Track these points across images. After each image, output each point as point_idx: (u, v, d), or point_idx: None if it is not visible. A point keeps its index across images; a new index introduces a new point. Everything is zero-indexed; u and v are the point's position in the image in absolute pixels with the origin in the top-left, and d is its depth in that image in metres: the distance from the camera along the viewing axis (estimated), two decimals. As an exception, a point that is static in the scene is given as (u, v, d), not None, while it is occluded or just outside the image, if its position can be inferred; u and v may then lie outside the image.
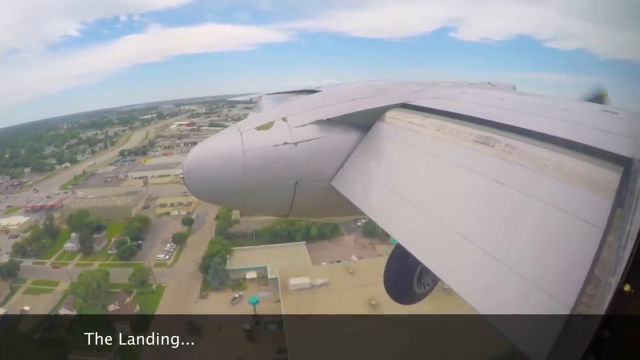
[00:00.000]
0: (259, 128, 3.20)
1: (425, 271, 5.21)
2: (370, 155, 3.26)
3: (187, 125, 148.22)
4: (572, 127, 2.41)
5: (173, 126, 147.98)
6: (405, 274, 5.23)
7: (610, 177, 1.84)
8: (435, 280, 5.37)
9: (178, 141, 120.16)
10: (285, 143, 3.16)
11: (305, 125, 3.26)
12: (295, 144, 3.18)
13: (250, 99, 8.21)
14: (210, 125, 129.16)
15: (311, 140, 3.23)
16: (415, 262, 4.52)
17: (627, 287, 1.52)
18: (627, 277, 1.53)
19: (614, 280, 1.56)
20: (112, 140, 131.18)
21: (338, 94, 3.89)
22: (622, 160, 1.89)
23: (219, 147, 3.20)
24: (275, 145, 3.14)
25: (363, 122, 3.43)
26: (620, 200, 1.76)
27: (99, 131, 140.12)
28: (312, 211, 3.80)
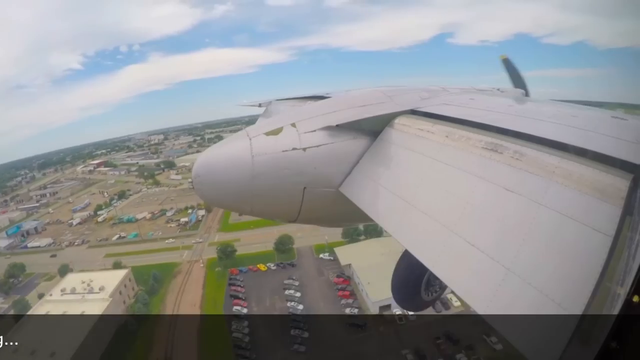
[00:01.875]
0: (268, 133, 3.22)
1: (433, 278, 5.17)
2: (378, 161, 3.26)
3: (98, 165, 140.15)
4: (581, 134, 2.40)
5: (80, 168, 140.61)
6: (413, 281, 5.19)
7: (620, 184, 1.83)
8: (443, 287, 5.32)
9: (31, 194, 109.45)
10: (294, 149, 3.18)
11: (315, 131, 3.28)
12: (304, 149, 3.20)
13: (260, 104, 8.27)
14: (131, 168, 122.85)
15: (320, 146, 3.25)
16: (423, 269, 4.49)
17: (636, 298, 1.51)
18: (637, 287, 1.52)
19: (623, 291, 1.55)
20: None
21: (347, 100, 3.91)
22: (631, 168, 1.87)
23: (228, 151, 3.22)
24: (284, 151, 3.16)
25: (372, 129, 3.45)
26: (630, 208, 1.75)
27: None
28: (320, 217, 3.81)
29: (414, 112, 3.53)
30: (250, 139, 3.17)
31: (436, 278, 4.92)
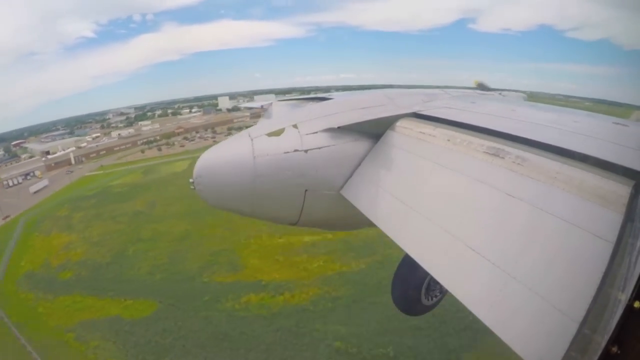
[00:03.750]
0: (270, 134, 3.22)
1: (434, 283, 5.16)
2: (380, 164, 3.26)
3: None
4: (582, 140, 2.40)
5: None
6: (413, 285, 5.18)
7: (621, 191, 1.83)
8: (443, 292, 5.31)
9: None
10: (295, 150, 3.17)
11: (316, 132, 3.27)
12: (306, 151, 3.19)
13: (262, 106, 8.28)
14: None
15: (322, 148, 3.24)
16: (424, 274, 4.49)
17: (636, 304, 1.51)
18: (638, 293, 1.52)
19: (624, 296, 1.55)
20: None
21: (349, 102, 3.91)
22: (633, 174, 1.88)
23: (230, 152, 3.21)
24: (285, 152, 3.15)
25: (374, 131, 3.44)
26: (631, 214, 1.75)
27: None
28: (321, 220, 3.79)
29: (415, 115, 3.53)
30: (252, 140, 3.16)
31: (437, 283, 4.92)
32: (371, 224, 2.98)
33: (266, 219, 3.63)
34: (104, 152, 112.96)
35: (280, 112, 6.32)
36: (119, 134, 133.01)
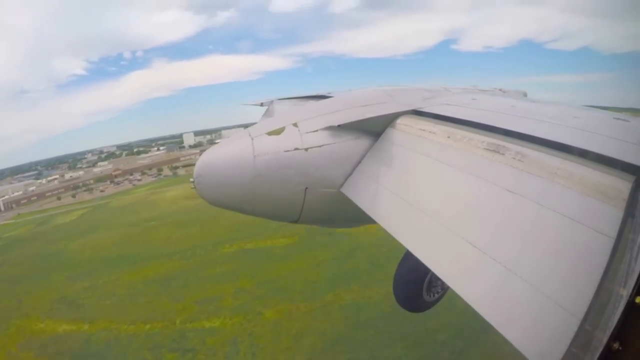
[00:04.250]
0: (270, 133, 3.22)
1: (435, 279, 5.18)
2: (380, 162, 3.26)
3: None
4: (583, 135, 2.39)
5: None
6: (415, 282, 5.20)
7: (622, 186, 1.83)
8: (445, 288, 5.32)
9: None
10: (296, 149, 3.18)
11: (317, 131, 3.27)
12: (306, 149, 3.19)
13: (262, 103, 8.27)
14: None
15: (322, 146, 3.24)
16: (425, 270, 4.50)
17: (638, 299, 1.51)
18: (639, 289, 1.52)
19: (625, 292, 1.55)
20: None
21: (349, 100, 3.91)
22: (633, 170, 1.87)
23: (230, 151, 3.21)
24: (286, 151, 3.16)
25: (374, 129, 3.44)
26: (632, 210, 1.75)
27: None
28: (321, 217, 3.81)
29: (416, 112, 3.53)
30: (252, 139, 3.17)
31: (438, 279, 4.93)
32: (371, 221, 2.98)
33: (267, 217, 3.64)
34: (35, 197, 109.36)
35: (281, 110, 6.32)
36: (55, 178, 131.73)
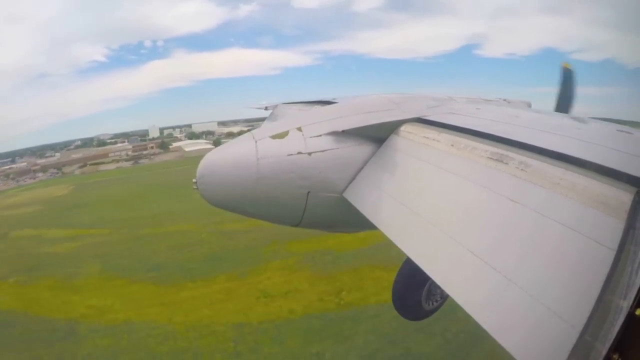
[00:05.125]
0: (273, 137, 3.25)
1: (435, 287, 5.16)
2: (383, 168, 3.27)
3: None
4: (586, 146, 2.41)
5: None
6: (414, 289, 5.18)
7: (624, 197, 1.83)
8: (444, 296, 5.30)
9: None
10: (299, 153, 3.20)
11: (320, 136, 3.30)
12: (309, 154, 3.22)
13: (266, 107, 8.33)
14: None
15: (325, 151, 3.27)
16: (425, 278, 4.49)
17: (638, 311, 1.50)
18: (639, 301, 1.52)
19: (626, 304, 1.55)
20: None
21: (354, 106, 3.94)
22: (636, 181, 1.87)
23: (233, 154, 3.24)
24: (289, 155, 3.18)
25: (378, 135, 3.46)
26: (633, 222, 1.74)
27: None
28: (323, 222, 3.82)
29: (420, 120, 3.54)
30: (255, 142, 3.19)
31: (437, 287, 4.91)
32: (373, 227, 2.99)
33: (268, 220, 3.66)
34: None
35: (285, 114, 6.36)
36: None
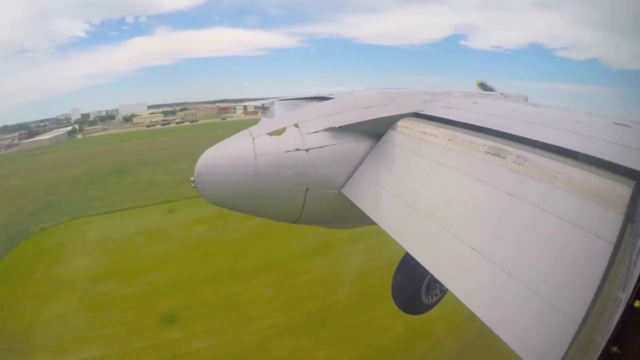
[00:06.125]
0: (271, 133, 3.23)
1: (434, 281, 5.18)
2: (381, 163, 3.27)
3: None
4: (583, 140, 2.40)
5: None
6: (414, 284, 5.20)
7: (622, 191, 1.83)
8: (444, 290, 5.33)
9: None
10: (297, 149, 3.18)
11: (318, 132, 3.28)
12: (307, 150, 3.20)
13: (263, 105, 8.29)
14: None
15: (323, 147, 3.25)
16: (424, 272, 4.50)
17: (637, 304, 1.51)
18: (638, 293, 1.53)
19: (624, 296, 1.55)
20: None
21: (351, 101, 3.92)
22: (634, 175, 1.88)
23: (231, 151, 3.22)
24: (286, 151, 3.16)
25: (375, 131, 3.45)
26: (632, 215, 1.75)
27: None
28: (322, 218, 3.81)
29: (417, 115, 3.53)
30: (253, 139, 3.17)
31: (437, 282, 4.94)
32: (371, 222, 2.99)
33: (267, 217, 3.65)
34: None
35: (282, 111, 6.33)
36: None
